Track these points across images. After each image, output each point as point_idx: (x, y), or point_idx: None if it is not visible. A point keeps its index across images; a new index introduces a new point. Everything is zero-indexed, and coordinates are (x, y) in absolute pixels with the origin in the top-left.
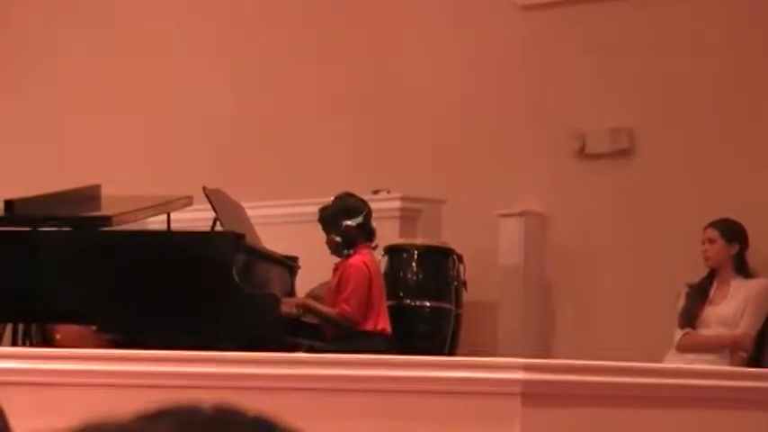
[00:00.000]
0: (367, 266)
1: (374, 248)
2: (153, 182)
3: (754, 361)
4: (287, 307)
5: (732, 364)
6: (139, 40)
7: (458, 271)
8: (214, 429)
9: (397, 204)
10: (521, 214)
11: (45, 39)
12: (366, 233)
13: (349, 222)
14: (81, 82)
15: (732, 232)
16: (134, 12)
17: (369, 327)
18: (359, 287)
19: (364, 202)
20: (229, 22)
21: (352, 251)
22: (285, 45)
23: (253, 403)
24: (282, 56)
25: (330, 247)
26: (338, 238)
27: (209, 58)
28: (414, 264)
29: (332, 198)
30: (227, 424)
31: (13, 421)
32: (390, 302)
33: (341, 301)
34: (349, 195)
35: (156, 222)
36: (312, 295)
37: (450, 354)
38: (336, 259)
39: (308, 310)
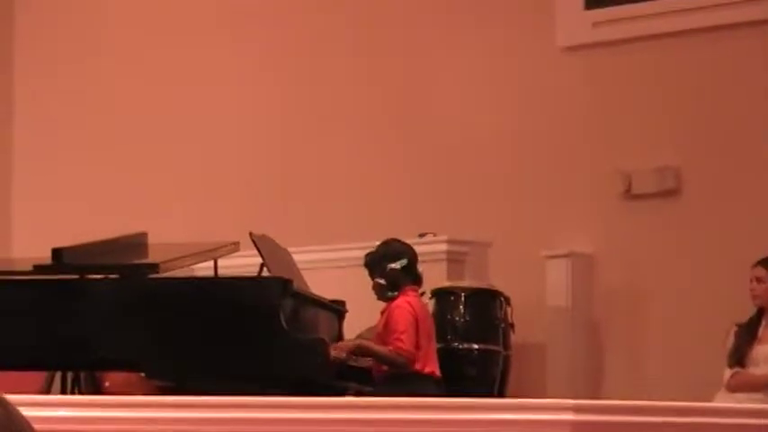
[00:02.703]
0: (412, 307)
1: (422, 294)
2: (199, 229)
3: None
4: (339, 351)
5: None
6: (187, 92)
7: (505, 313)
8: None
9: (443, 247)
10: (567, 255)
11: (97, 92)
12: (411, 277)
13: (393, 265)
14: (132, 134)
15: None
16: (183, 65)
17: (416, 369)
18: (408, 325)
19: (409, 247)
20: (276, 70)
21: (396, 293)
22: (329, 89)
23: None
24: (327, 101)
25: (375, 291)
26: (382, 281)
27: (255, 105)
28: (461, 306)
29: (377, 243)
30: None
31: None
32: (438, 345)
33: (394, 340)
34: (394, 240)
35: (203, 269)
36: (361, 339)
37: (500, 396)
38: (383, 304)
39: (362, 352)
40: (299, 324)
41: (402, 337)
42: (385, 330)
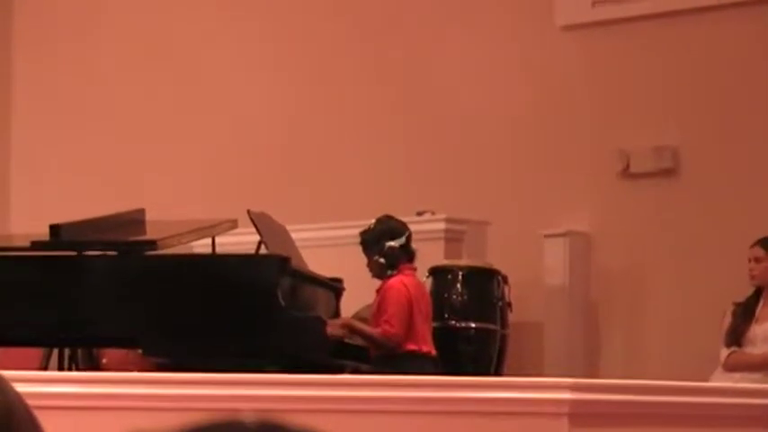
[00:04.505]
0: (406, 287)
1: (414, 270)
2: (197, 206)
3: None
4: (330, 328)
5: None
6: (187, 68)
7: (503, 291)
8: None
9: (441, 226)
10: (565, 234)
11: (97, 67)
12: (408, 255)
13: (392, 243)
14: (131, 109)
15: None
16: (184, 41)
17: (413, 348)
18: (400, 307)
19: (405, 225)
20: (274, 48)
21: (395, 272)
22: (328, 69)
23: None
24: (324, 80)
25: (372, 270)
26: (381, 260)
27: (253, 83)
28: (458, 285)
29: (373, 221)
30: None
31: None
32: (435, 323)
33: (383, 322)
34: (390, 218)
35: (201, 246)
36: (358, 317)
37: (497, 374)
38: (380, 281)
39: (351, 330)
40: (296, 302)
41: (391, 320)
42: (379, 311)
